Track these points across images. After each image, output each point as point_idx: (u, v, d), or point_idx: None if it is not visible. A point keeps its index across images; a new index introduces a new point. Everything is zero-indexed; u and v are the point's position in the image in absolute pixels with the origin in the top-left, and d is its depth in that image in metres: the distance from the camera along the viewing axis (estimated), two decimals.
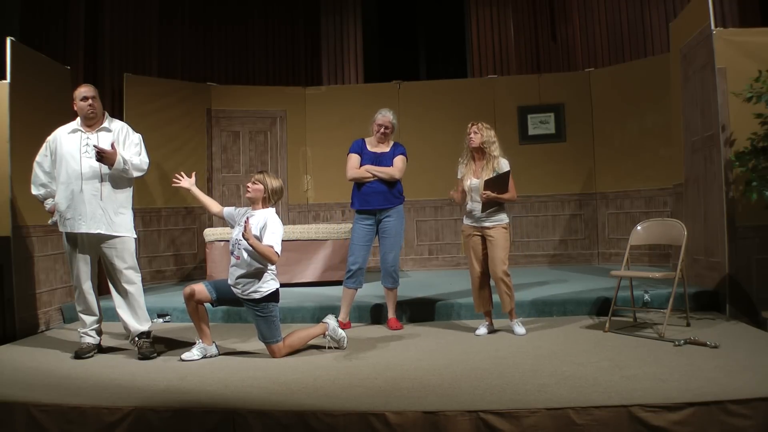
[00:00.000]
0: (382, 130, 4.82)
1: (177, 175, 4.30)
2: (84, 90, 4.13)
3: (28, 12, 6.33)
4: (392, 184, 4.78)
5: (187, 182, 4.27)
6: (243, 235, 3.83)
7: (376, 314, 5.09)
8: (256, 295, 3.93)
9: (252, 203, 4.07)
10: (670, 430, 2.75)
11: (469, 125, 4.53)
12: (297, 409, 2.93)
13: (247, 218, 3.92)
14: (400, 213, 4.83)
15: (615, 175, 7.37)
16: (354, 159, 4.83)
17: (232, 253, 4.02)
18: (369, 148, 4.85)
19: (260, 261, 3.90)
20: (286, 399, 3.10)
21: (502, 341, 4.29)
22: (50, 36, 6.34)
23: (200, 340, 4.03)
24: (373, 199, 4.75)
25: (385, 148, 4.86)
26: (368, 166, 4.77)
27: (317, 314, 4.98)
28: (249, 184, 4.07)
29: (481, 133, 4.45)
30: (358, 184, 4.80)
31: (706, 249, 5.17)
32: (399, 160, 4.82)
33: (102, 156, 3.94)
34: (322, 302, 5.26)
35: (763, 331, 4.31)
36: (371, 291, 5.39)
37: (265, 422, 2.91)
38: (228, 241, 4.66)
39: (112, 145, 4.00)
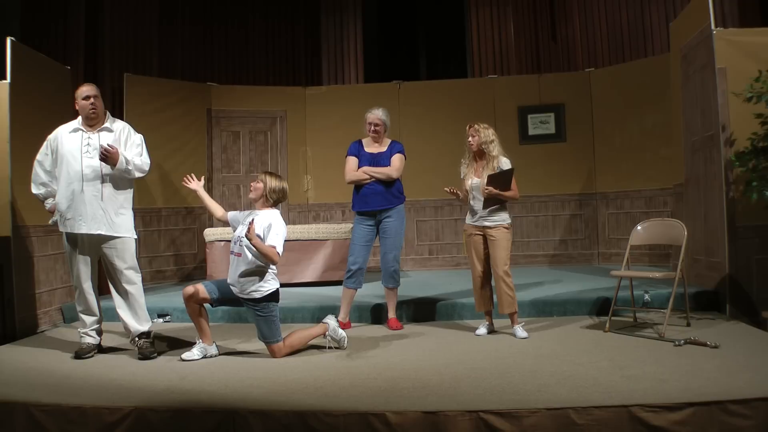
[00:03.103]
0: (372, 128, 4.82)
1: (187, 176, 4.31)
2: (86, 89, 4.12)
3: (28, 12, 6.33)
4: (390, 183, 4.77)
5: (195, 184, 4.28)
6: (246, 236, 3.83)
7: (376, 314, 5.08)
8: (257, 295, 3.93)
9: (254, 202, 4.08)
10: (670, 430, 2.75)
11: (467, 128, 4.52)
12: (297, 409, 2.93)
13: (253, 219, 3.92)
14: (400, 213, 4.82)
15: (615, 175, 7.37)
16: (351, 162, 4.83)
17: (232, 252, 4.02)
18: (366, 149, 4.85)
19: (261, 259, 3.91)
20: (286, 399, 3.10)
21: (502, 341, 4.29)
22: (50, 36, 6.34)
23: (200, 340, 4.03)
24: (372, 200, 4.75)
25: (382, 148, 4.85)
26: (365, 168, 4.77)
27: (317, 314, 4.98)
28: (252, 183, 4.10)
29: (478, 135, 4.45)
30: (357, 186, 4.80)
31: (706, 249, 5.17)
32: (396, 159, 4.81)
33: (106, 156, 3.95)
34: (322, 302, 5.26)
35: (763, 331, 4.31)
36: (371, 291, 5.38)
37: (266, 422, 2.91)
38: (228, 241, 4.66)
39: (110, 146, 3.99)
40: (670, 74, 5.97)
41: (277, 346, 3.97)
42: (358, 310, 5.07)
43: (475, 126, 4.48)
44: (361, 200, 4.78)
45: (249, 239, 3.79)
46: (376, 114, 4.82)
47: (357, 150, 4.85)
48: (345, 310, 4.81)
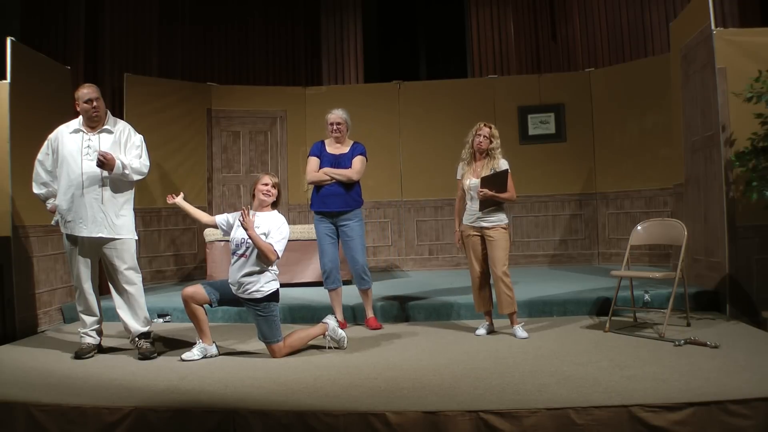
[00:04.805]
0: (334, 127, 4.84)
1: (169, 195, 4.29)
2: (87, 92, 4.09)
3: (28, 12, 6.33)
4: (350, 186, 4.78)
5: (177, 199, 4.26)
6: (242, 225, 3.84)
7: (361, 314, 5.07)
8: (258, 295, 3.93)
9: (262, 205, 4.08)
10: (670, 430, 2.75)
11: (480, 125, 4.47)
12: (297, 409, 2.94)
13: (247, 209, 3.93)
14: (359, 216, 4.83)
15: (615, 175, 7.37)
16: (313, 162, 4.84)
17: (234, 253, 4.02)
18: (328, 149, 4.86)
19: (262, 259, 3.92)
20: (286, 399, 3.10)
21: (502, 341, 4.29)
22: (50, 36, 6.34)
23: (200, 340, 4.03)
24: (331, 202, 4.76)
25: (344, 149, 4.86)
26: (326, 169, 4.78)
27: (317, 314, 4.98)
28: (267, 188, 4.05)
29: (490, 139, 4.43)
30: (317, 186, 4.81)
31: (706, 249, 5.17)
32: (357, 161, 4.82)
33: (103, 162, 3.95)
34: (322, 302, 5.25)
35: (763, 331, 4.31)
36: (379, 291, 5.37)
37: (266, 422, 2.91)
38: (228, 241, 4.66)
39: (106, 153, 4.00)
40: (670, 74, 5.97)
41: (277, 346, 3.97)
42: (353, 311, 5.06)
43: (493, 130, 4.45)
44: (319, 201, 4.80)
45: (246, 228, 3.82)
46: (337, 114, 4.85)
47: (319, 150, 4.87)
48: (338, 311, 4.83)
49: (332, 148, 4.87)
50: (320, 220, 4.83)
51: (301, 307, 5.21)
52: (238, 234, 4.01)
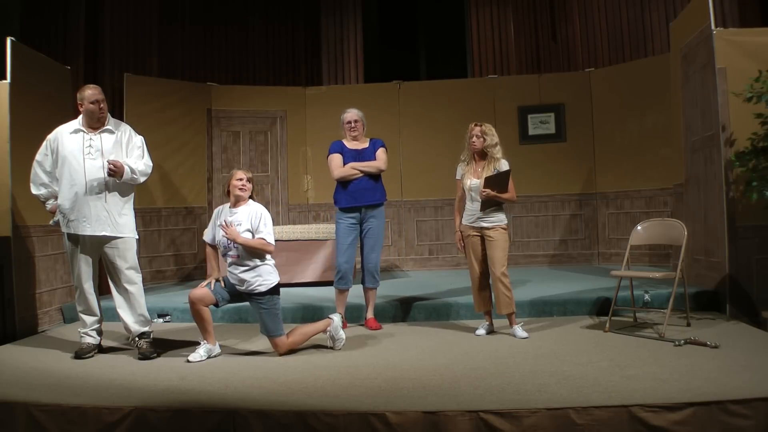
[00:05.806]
0: (351, 125, 4.87)
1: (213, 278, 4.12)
2: (93, 93, 4.10)
3: (28, 12, 6.34)
4: (377, 178, 4.82)
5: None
6: (229, 238, 3.94)
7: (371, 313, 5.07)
8: (262, 288, 3.97)
9: (239, 200, 4.09)
10: (670, 430, 2.75)
11: (472, 126, 4.48)
12: (297, 409, 2.94)
13: (225, 222, 4.01)
14: (382, 213, 4.87)
15: (615, 175, 7.37)
16: (337, 158, 4.85)
17: (225, 255, 4.05)
18: (348, 146, 4.89)
19: (257, 254, 3.97)
20: (286, 399, 3.11)
21: (502, 341, 4.29)
22: (50, 36, 6.35)
23: (205, 341, 4.04)
24: (361, 196, 4.77)
25: (365, 144, 4.90)
26: (353, 163, 4.79)
27: (318, 314, 4.98)
28: (242, 182, 4.07)
29: (483, 138, 4.43)
30: (344, 182, 4.81)
31: (706, 249, 5.17)
32: (381, 153, 4.87)
33: (114, 171, 4.00)
34: (322, 302, 5.26)
35: (763, 331, 4.31)
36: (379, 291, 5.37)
37: (266, 422, 2.91)
38: None
39: (114, 162, 4.03)
40: (670, 74, 5.97)
41: (280, 340, 4.00)
42: (356, 310, 5.06)
43: (483, 127, 4.44)
44: (348, 196, 4.80)
45: (233, 240, 3.91)
46: (353, 112, 4.90)
47: (340, 147, 4.88)
48: (341, 311, 4.82)
49: (352, 144, 4.89)
50: (345, 217, 4.82)
51: (302, 307, 5.20)
52: (221, 236, 4.05)
